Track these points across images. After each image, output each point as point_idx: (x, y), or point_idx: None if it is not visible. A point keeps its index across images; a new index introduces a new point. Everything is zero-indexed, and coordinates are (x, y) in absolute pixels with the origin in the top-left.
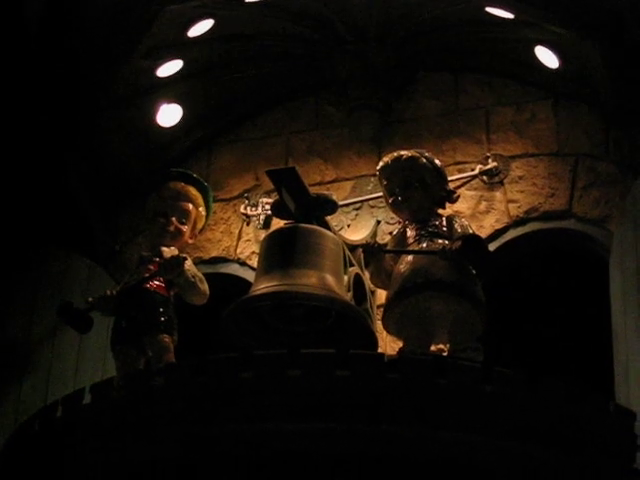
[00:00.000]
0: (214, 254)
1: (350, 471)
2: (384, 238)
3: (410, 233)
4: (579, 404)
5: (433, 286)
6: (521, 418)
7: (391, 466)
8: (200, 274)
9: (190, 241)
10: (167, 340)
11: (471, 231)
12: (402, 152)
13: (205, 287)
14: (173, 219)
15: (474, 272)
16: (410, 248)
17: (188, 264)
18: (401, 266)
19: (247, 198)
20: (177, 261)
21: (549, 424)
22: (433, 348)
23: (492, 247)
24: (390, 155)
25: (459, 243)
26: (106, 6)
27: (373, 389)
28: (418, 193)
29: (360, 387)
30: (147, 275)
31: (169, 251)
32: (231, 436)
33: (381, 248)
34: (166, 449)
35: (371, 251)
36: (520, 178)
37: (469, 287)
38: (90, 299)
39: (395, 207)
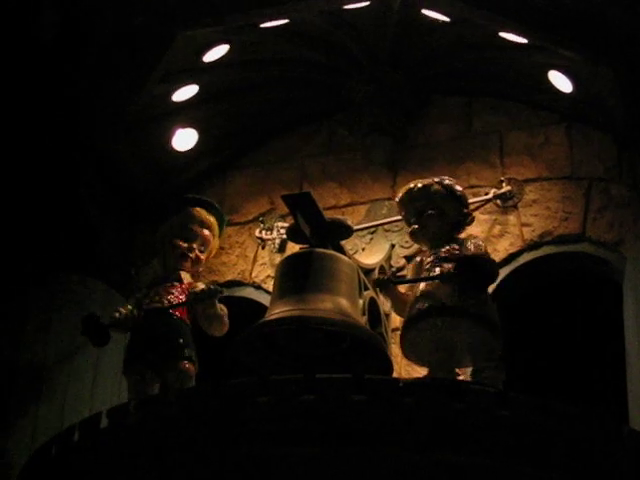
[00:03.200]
0: (229, 277)
1: None
2: (398, 262)
3: (426, 260)
4: (593, 428)
5: (437, 311)
6: (535, 443)
7: None
8: (225, 308)
9: (201, 269)
10: (190, 367)
11: (483, 250)
12: (416, 183)
13: (227, 321)
14: (195, 246)
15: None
16: (425, 274)
17: None
18: (414, 292)
19: (262, 222)
20: (214, 292)
21: (563, 449)
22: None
23: (506, 271)
24: (405, 187)
25: (453, 266)
26: (121, 31)
27: (388, 414)
28: (433, 221)
29: (376, 412)
30: (177, 302)
31: (187, 278)
32: (247, 461)
33: (390, 280)
34: (182, 474)
35: (381, 284)
36: (534, 202)
37: (476, 308)
38: (116, 314)
39: (413, 236)
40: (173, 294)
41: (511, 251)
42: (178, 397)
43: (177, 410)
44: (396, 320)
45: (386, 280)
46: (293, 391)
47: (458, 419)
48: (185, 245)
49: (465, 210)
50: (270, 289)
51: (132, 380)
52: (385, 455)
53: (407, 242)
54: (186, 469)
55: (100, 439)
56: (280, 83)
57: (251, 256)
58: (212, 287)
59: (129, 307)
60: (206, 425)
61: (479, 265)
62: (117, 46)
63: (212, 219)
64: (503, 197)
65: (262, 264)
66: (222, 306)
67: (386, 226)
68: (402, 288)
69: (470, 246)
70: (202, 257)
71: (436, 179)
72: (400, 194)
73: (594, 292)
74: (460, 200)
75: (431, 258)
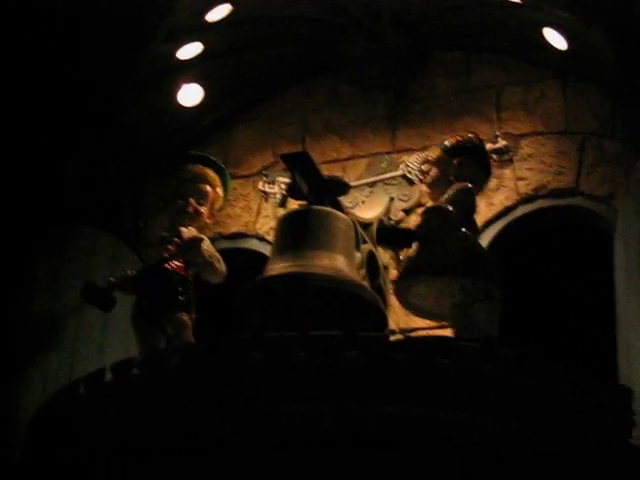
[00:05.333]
0: (234, 230)
1: (357, 451)
2: (397, 214)
3: None
4: (576, 383)
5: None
6: (519, 397)
7: (397, 445)
8: (217, 254)
9: (208, 221)
10: (186, 318)
11: (455, 197)
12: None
13: (222, 267)
14: (191, 200)
15: None
16: None
17: (206, 245)
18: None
19: (265, 175)
20: (194, 242)
21: (547, 403)
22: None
23: (501, 224)
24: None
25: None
26: None
27: (378, 369)
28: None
29: (366, 367)
30: (167, 256)
31: (187, 232)
32: (244, 416)
33: None
34: (182, 428)
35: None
36: (529, 156)
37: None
38: (112, 279)
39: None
40: (170, 251)
41: (507, 204)
42: (176, 353)
43: (176, 366)
44: (394, 271)
45: None
46: (287, 348)
47: (444, 374)
48: (181, 202)
49: (455, 161)
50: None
51: (140, 337)
52: (374, 409)
53: (405, 195)
54: (186, 423)
55: (104, 393)
56: (282, 40)
57: (255, 208)
58: (191, 238)
59: (133, 270)
60: (204, 381)
61: (387, 230)
62: (122, 8)
63: (210, 172)
64: (499, 152)
65: (265, 216)
66: (212, 253)
67: (384, 175)
68: None
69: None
70: (202, 210)
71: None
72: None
73: (587, 244)
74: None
75: None
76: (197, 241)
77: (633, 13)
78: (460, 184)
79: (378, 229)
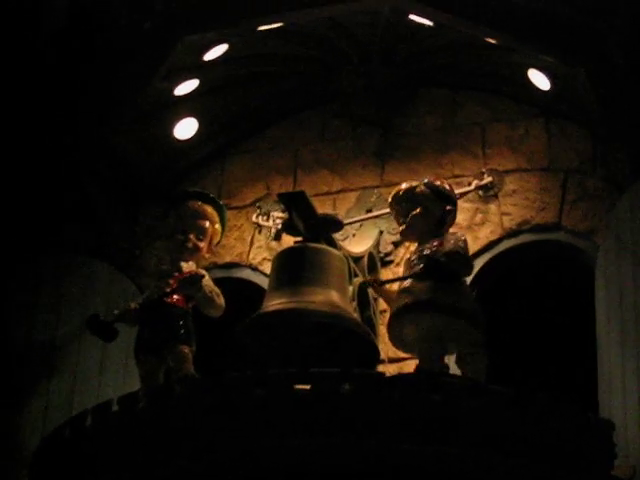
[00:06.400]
0: (228, 259)
1: None
2: (386, 247)
3: (412, 256)
4: (561, 417)
5: (412, 307)
6: (506, 431)
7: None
8: (217, 289)
9: (207, 255)
10: (186, 350)
11: (461, 244)
12: (402, 186)
13: (221, 301)
14: (191, 236)
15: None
16: (410, 270)
17: (206, 280)
18: (399, 288)
19: (259, 207)
20: (195, 278)
21: (533, 437)
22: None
23: (486, 257)
24: (393, 190)
25: (421, 267)
26: (128, 37)
27: (373, 405)
28: (418, 219)
29: (361, 403)
30: (168, 290)
31: (188, 267)
32: (244, 447)
33: (375, 281)
34: (186, 459)
35: (368, 286)
36: (513, 192)
37: (449, 301)
38: (115, 311)
39: (403, 236)
40: (171, 285)
41: (491, 239)
42: (182, 387)
43: (178, 401)
44: (384, 302)
45: (371, 283)
46: (287, 384)
47: (435, 410)
48: (181, 237)
49: (448, 207)
50: (266, 271)
51: (141, 369)
52: (369, 443)
53: (394, 228)
54: (192, 455)
55: (111, 424)
56: (276, 76)
57: (248, 239)
58: (192, 274)
59: (136, 303)
60: (207, 414)
61: (440, 262)
62: (124, 50)
63: (209, 209)
64: (485, 188)
65: (259, 247)
66: (212, 288)
67: (374, 213)
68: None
69: (449, 242)
70: (201, 245)
71: (425, 180)
72: (390, 196)
73: (569, 278)
74: (443, 198)
75: (416, 255)
76: (198, 277)
77: (612, 60)
78: (458, 234)
79: (430, 260)
